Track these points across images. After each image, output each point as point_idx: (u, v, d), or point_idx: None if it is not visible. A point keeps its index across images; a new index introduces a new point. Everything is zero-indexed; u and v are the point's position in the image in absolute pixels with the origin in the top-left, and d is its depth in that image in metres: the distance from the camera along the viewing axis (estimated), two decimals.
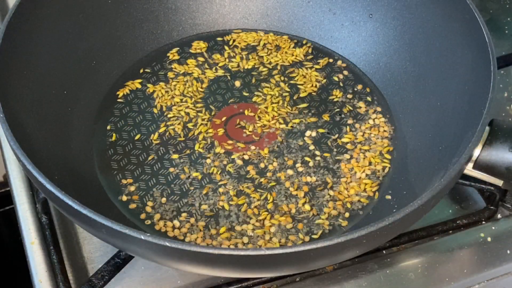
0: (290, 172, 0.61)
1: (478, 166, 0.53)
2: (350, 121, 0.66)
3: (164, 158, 0.63)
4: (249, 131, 0.65)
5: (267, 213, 0.58)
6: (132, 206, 0.59)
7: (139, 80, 0.70)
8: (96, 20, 0.68)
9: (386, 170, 0.62)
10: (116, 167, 0.62)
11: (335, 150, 0.64)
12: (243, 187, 0.60)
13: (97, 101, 0.67)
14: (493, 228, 0.61)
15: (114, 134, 0.64)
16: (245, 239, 0.56)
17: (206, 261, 0.44)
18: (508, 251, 0.60)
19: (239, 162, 0.62)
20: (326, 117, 0.67)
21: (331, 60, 0.72)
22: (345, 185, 0.60)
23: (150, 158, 0.62)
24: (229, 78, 0.71)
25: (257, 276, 0.56)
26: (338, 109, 0.67)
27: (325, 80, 0.70)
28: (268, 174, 0.61)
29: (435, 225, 0.61)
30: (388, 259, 0.58)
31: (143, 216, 0.58)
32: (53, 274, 0.57)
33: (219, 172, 0.61)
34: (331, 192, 0.60)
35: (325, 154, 0.63)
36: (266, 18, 0.75)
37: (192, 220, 0.58)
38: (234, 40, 0.74)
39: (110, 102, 0.67)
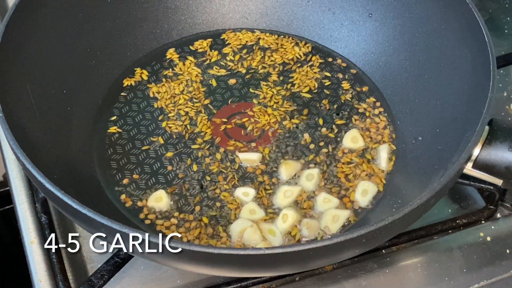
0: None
1: (477, 165, 0.53)
2: (349, 121, 0.66)
3: (164, 157, 0.63)
4: (249, 130, 0.65)
5: (267, 212, 0.58)
6: (132, 205, 0.59)
7: (146, 73, 0.70)
8: (95, 20, 0.68)
9: (386, 169, 0.62)
10: (116, 167, 0.62)
11: (334, 149, 0.64)
12: (243, 186, 0.60)
13: (97, 101, 0.67)
14: (493, 227, 0.61)
15: (113, 134, 0.64)
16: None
17: (206, 260, 0.44)
18: (508, 251, 0.60)
19: (239, 161, 0.62)
20: (325, 116, 0.67)
21: (330, 60, 0.72)
22: (345, 185, 0.60)
23: (149, 157, 0.62)
24: (228, 77, 0.71)
25: (256, 276, 0.56)
26: (337, 109, 0.67)
27: (324, 80, 0.70)
28: (268, 173, 0.61)
29: (434, 225, 0.61)
30: (388, 259, 0.58)
31: (142, 215, 0.58)
32: (53, 273, 0.57)
33: (218, 171, 0.61)
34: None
35: (325, 154, 0.63)
36: (266, 18, 0.75)
37: (192, 219, 0.58)
38: (233, 40, 0.74)
39: (109, 102, 0.67)
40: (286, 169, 0.61)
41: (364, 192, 0.59)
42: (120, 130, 0.65)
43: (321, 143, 0.64)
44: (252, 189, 0.59)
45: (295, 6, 0.75)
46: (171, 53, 0.72)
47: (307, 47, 0.73)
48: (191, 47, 0.73)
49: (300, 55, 0.72)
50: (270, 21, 0.75)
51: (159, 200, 0.59)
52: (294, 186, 0.60)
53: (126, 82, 0.69)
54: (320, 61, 0.72)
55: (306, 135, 0.65)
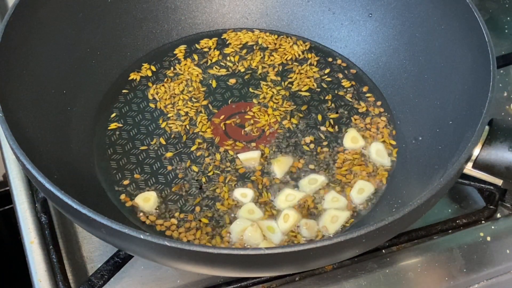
0: (290, 170, 0.61)
1: (477, 165, 0.53)
2: (349, 121, 0.66)
3: (163, 157, 0.63)
4: (249, 130, 0.65)
5: (268, 213, 0.58)
6: (132, 205, 0.59)
7: (154, 68, 0.70)
8: (95, 20, 0.68)
9: (386, 170, 0.62)
10: (116, 167, 0.62)
11: (334, 149, 0.64)
12: (242, 187, 0.60)
13: (97, 101, 0.67)
14: (493, 227, 0.61)
15: (113, 134, 0.64)
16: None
17: (205, 260, 0.44)
18: (508, 251, 0.60)
19: (239, 161, 0.62)
20: (325, 116, 0.67)
21: (330, 59, 0.72)
22: (345, 185, 0.60)
23: (149, 157, 0.62)
24: (228, 77, 0.71)
25: (256, 276, 0.56)
26: (337, 109, 0.67)
27: (324, 79, 0.70)
28: (268, 173, 0.61)
29: (434, 225, 0.61)
30: (388, 259, 0.58)
31: (142, 215, 0.58)
32: (53, 273, 0.57)
33: (218, 172, 0.61)
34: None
35: (325, 154, 0.63)
36: (266, 18, 0.75)
37: (192, 219, 0.58)
38: (233, 40, 0.74)
39: (109, 102, 0.67)
40: (279, 166, 0.61)
41: (361, 191, 0.59)
42: (120, 125, 0.65)
43: (321, 143, 0.64)
44: (250, 190, 0.59)
45: (295, 6, 0.75)
46: (171, 53, 0.72)
47: (307, 47, 0.73)
48: (191, 47, 0.73)
49: (300, 55, 0.72)
50: (270, 21, 0.75)
51: (147, 200, 0.58)
52: (297, 191, 0.59)
53: (133, 76, 0.69)
54: (316, 58, 0.72)
55: (306, 135, 0.65)
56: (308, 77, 0.70)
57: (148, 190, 0.60)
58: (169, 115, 0.66)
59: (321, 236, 0.56)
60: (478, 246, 0.60)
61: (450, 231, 0.61)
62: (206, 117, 0.66)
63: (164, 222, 0.57)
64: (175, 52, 0.72)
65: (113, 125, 0.65)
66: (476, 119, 0.51)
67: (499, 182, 0.55)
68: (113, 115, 0.66)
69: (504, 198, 0.63)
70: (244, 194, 0.59)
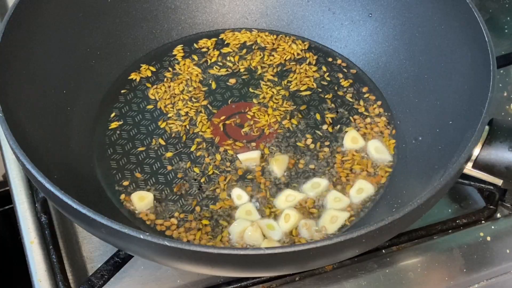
0: (290, 171, 0.62)
1: (477, 165, 0.53)
2: (349, 121, 0.66)
3: (163, 157, 0.63)
4: (249, 130, 0.65)
5: (268, 213, 0.58)
6: (132, 205, 0.59)
7: (153, 68, 0.70)
8: (95, 19, 0.68)
9: (386, 169, 0.62)
10: (116, 167, 0.62)
11: (334, 149, 0.64)
12: (243, 187, 0.60)
13: (97, 101, 0.67)
14: (493, 227, 0.61)
15: (113, 133, 0.64)
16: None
17: (205, 260, 0.44)
18: (508, 250, 0.60)
19: (239, 161, 0.62)
20: (325, 116, 0.67)
21: (330, 59, 0.72)
22: (345, 185, 0.60)
23: (149, 157, 0.62)
24: (228, 77, 0.71)
25: (256, 276, 0.56)
26: (337, 109, 0.67)
27: (324, 79, 0.70)
28: (268, 174, 0.61)
29: (434, 225, 0.61)
30: (388, 259, 0.58)
31: (142, 215, 0.58)
32: (53, 273, 0.57)
33: (218, 172, 0.61)
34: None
35: (325, 153, 0.63)
36: (266, 18, 0.75)
37: (192, 219, 0.58)
38: (231, 39, 0.74)
39: (109, 102, 0.67)
40: (278, 165, 0.61)
41: (360, 191, 0.59)
42: (120, 130, 0.65)
43: (321, 143, 0.64)
44: (245, 192, 0.59)
45: (295, 6, 0.75)
46: (171, 53, 0.72)
47: (305, 44, 0.73)
48: (190, 47, 0.73)
49: (299, 55, 0.72)
50: (270, 21, 0.75)
51: (142, 199, 0.58)
52: (297, 192, 0.59)
53: (133, 76, 0.70)
54: (315, 57, 0.72)
55: (306, 135, 0.65)
56: (307, 77, 0.70)
57: (148, 190, 0.60)
58: (169, 115, 0.66)
59: (321, 236, 0.56)
60: (478, 246, 0.60)
61: (450, 231, 0.61)
62: (206, 117, 0.66)
63: (164, 222, 0.57)
64: (174, 52, 0.72)
65: (113, 125, 0.65)
66: (476, 119, 0.51)
67: (499, 182, 0.55)
68: (113, 115, 0.66)
69: (504, 198, 0.63)
70: (239, 196, 0.59)
